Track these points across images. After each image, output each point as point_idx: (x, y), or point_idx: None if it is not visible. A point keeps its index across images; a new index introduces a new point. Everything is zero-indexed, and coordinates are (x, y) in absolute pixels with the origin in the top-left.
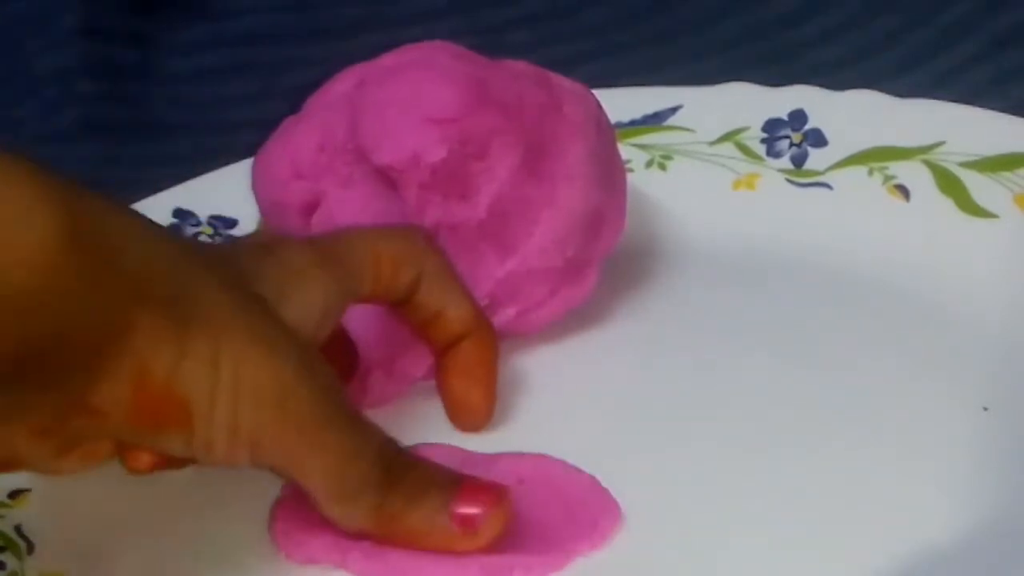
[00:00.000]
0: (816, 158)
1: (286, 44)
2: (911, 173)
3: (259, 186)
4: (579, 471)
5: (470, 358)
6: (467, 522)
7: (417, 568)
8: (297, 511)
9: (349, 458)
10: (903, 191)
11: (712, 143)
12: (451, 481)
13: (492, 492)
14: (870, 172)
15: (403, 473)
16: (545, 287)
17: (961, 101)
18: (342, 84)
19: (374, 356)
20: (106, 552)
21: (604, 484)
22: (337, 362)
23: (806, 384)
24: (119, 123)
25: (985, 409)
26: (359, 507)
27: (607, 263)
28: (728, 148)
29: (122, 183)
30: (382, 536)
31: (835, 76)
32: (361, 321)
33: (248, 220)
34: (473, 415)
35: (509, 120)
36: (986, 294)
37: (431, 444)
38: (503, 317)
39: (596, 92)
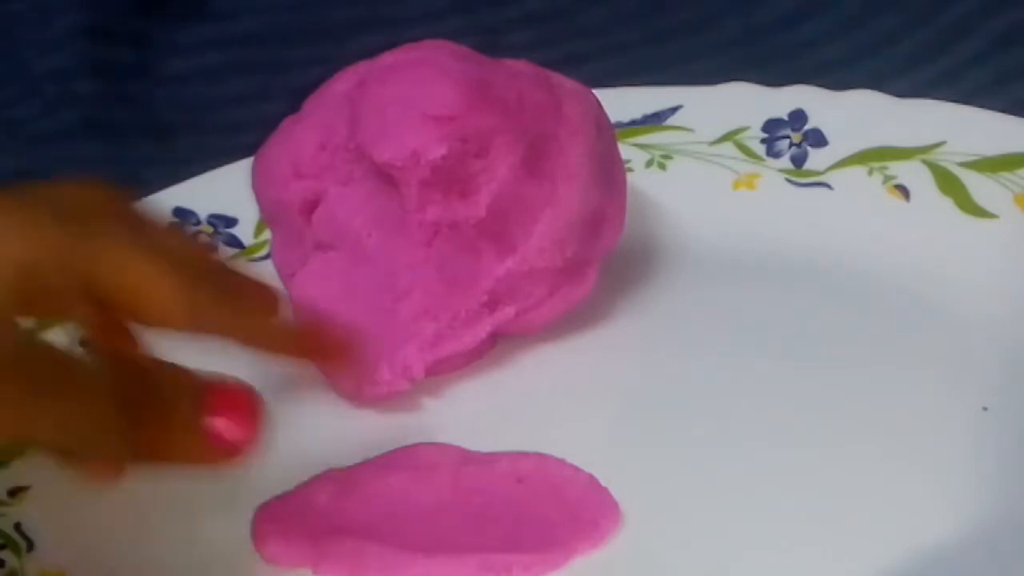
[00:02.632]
0: (816, 158)
1: (286, 44)
2: (911, 173)
3: (259, 185)
4: (578, 470)
5: None
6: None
7: (411, 565)
8: (280, 515)
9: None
10: (903, 191)
11: (712, 143)
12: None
13: (247, 400)
14: (870, 172)
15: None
16: (545, 286)
17: (961, 101)
18: (342, 83)
19: (376, 352)
20: (106, 551)
21: (603, 483)
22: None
23: (806, 384)
24: (119, 123)
25: (985, 409)
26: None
27: (607, 263)
28: (728, 148)
29: (122, 183)
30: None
31: (835, 76)
32: (362, 316)
33: (248, 219)
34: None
35: (509, 119)
36: (986, 294)
37: (431, 444)
38: (503, 316)
39: (596, 92)
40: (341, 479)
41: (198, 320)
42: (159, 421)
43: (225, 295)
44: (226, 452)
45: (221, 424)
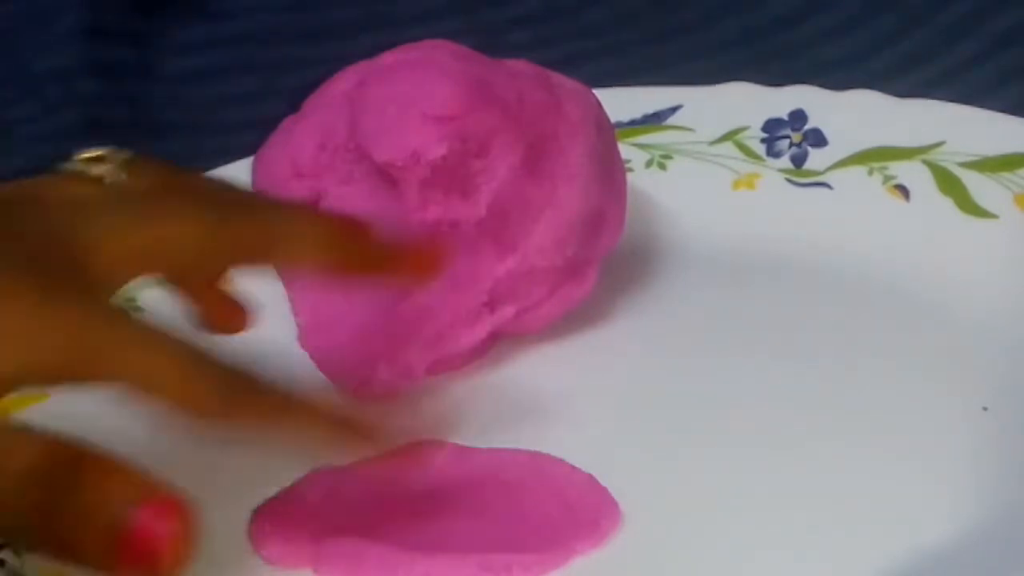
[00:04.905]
0: (816, 158)
1: (286, 44)
2: (911, 173)
3: (259, 185)
4: (578, 470)
5: None
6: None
7: (411, 565)
8: (278, 514)
9: None
10: (903, 191)
11: (712, 143)
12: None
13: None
14: (870, 172)
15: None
16: (545, 286)
17: (961, 101)
18: (342, 83)
19: (378, 350)
20: None
21: (603, 483)
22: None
23: (806, 384)
24: (119, 123)
25: (985, 409)
26: None
27: (607, 263)
28: (728, 148)
29: None
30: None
31: (835, 76)
32: (362, 316)
33: None
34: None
35: (509, 119)
36: (986, 294)
37: (430, 443)
38: (503, 316)
39: (596, 92)
40: (333, 477)
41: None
42: (75, 519)
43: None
44: (145, 559)
45: (144, 530)
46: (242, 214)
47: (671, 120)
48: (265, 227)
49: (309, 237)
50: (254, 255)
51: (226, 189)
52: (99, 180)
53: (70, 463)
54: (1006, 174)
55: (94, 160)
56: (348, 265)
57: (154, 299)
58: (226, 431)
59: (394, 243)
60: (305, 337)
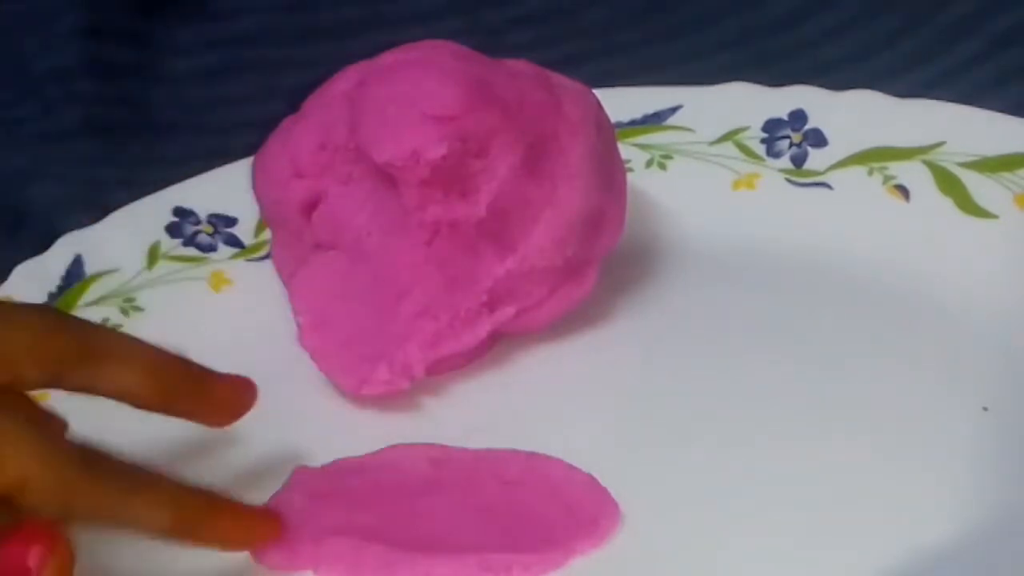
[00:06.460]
0: (816, 158)
1: (286, 44)
2: (911, 173)
3: (259, 185)
4: (578, 470)
5: None
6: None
7: (411, 565)
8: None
9: None
10: (903, 191)
11: (712, 143)
12: None
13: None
14: (870, 172)
15: None
16: (545, 286)
17: (961, 101)
18: (342, 83)
19: (375, 351)
20: (104, 551)
21: (603, 483)
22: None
23: (806, 384)
24: (119, 123)
25: (985, 409)
26: None
27: (607, 263)
28: (728, 148)
29: (122, 183)
30: None
31: (835, 76)
32: (362, 316)
33: (248, 219)
34: None
35: (509, 119)
36: (986, 294)
37: (429, 445)
38: (503, 316)
39: (596, 92)
40: (316, 478)
41: (71, 504)
42: None
43: (108, 476)
44: None
45: (10, 560)
46: (66, 330)
47: (671, 120)
48: (84, 344)
49: (129, 359)
50: (70, 369)
51: (44, 310)
52: None
53: None
54: (1006, 174)
55: None
56: (154, 395)
57: (155, 301)
58: (67, 516)
59: (206, 379)
60: (305, 337)
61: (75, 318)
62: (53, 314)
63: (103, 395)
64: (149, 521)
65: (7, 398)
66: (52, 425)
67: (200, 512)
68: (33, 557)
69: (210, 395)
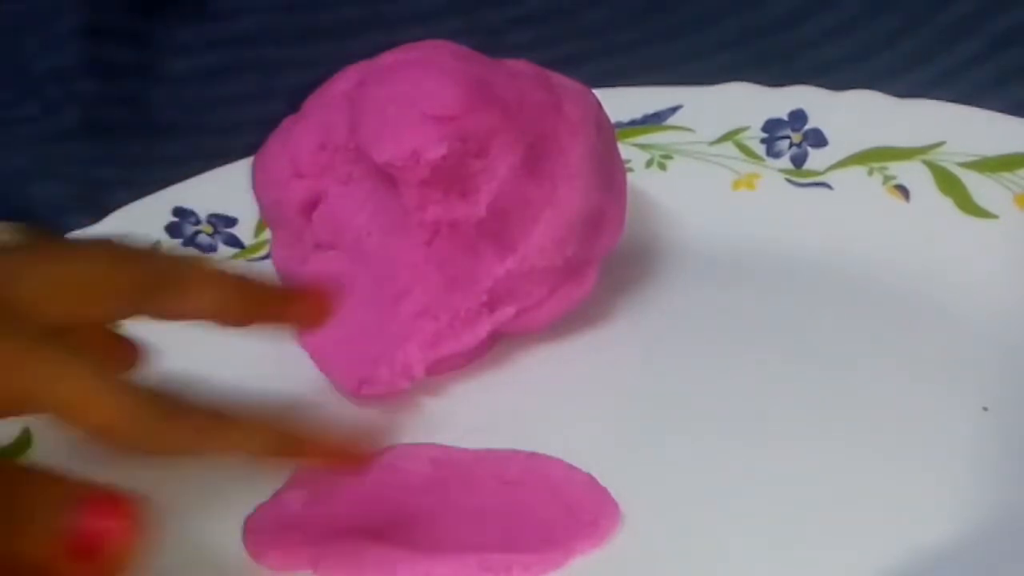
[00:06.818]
0: (816, 158)
1: (286, 44)
2: (911, 173)
3: (259, 185)
4: (577, 470)
5: None
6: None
7: (411, 565)
8: (269, 521)
9: None
10: (903, 191)
11: (712, 143)
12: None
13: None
14: (870, 172)
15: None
16: (545, 286)
17: (961, 101)
18: (342, 83)
19: (375, 351)
20: None
21: (603, 483)
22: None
23: (806, 384)
24: (119, 123)
25: (985, 409)
26: None
27: (607, 263)
28: (728, 148)
29: (122, 183)
30: None
31: (835, 76)
32: (362, 316)
33: (248, 219)
34: None
35: (509, 119)
36: (986, 294)
37: (429, 445)
38: (503, 316)
39: (596, 92)
40: (312, 480)
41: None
42: (18, 530)
43: (179, 411)
44: (95, 562)
45: (93, 532)
46: (139, 260)
47: (671, 120)
48: (159, 271)
49: (198, 282)
50: (149, 297)
51: (116, 243)
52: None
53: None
54: (1006, 174)
55: None
56: (238, 311)
57: None
58: (155, 455)
59: (284, 291)
60: (305, 337)
61: (143, 248)
62: (120, 246)
63: (186, 319)
64: (233, 452)
65: (87, 337)
66: (130, 355)
67: (273, 445)
68: (108, 525)
69: (293, 303)
